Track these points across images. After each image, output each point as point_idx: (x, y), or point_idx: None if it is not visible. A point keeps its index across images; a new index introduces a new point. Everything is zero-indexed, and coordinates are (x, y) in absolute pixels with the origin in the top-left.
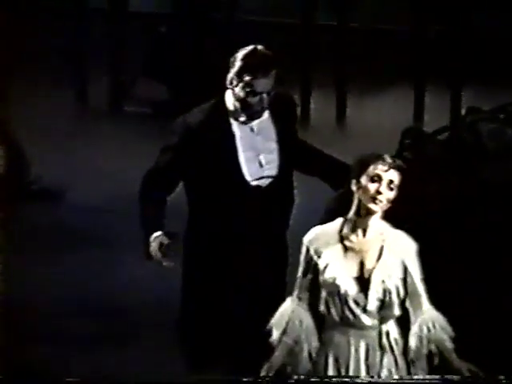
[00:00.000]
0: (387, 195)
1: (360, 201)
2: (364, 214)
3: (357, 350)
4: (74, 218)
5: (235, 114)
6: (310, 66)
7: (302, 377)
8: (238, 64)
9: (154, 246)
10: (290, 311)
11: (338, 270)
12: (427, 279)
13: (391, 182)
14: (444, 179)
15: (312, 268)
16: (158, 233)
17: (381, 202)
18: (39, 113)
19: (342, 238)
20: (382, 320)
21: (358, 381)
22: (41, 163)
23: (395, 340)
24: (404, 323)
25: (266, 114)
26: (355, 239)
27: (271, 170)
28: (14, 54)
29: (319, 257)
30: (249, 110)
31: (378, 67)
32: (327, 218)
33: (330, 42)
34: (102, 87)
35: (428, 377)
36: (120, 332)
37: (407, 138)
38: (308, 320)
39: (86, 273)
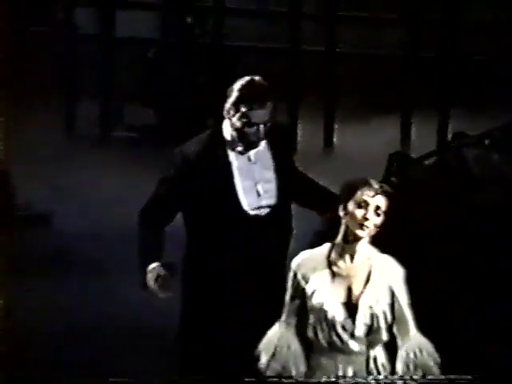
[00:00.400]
0: (374, 221)
1: (347, 226)
2: (351, 239)
3: (344, 376)
4: (61, 243)
5: (232, 144)
6: (298, 91)
7: (302, 378)
8: (234, 94)
9: (150, 277)
10: (278, 336)
11: (326, 295)
12: (414, 304)
13: (378, 207)
14: (430, 204)
15: (300, 293)
16: (155, 264)
17: (367, 227)
18: (27, 138)
19: (329, 264)
20: (370, 345)
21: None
22: (28, 189)
23: (382, 365)
24: (392, 348)
25: (264, 144)
26: (343, 265)
27: (269, 199)
28: (1, 78)
29: (307, 282)
30: (245, 140)
31: (365, 93)
32: (315, 241)
33: (318, 68)
34: (90, 112)
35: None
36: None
37: (393, 162)
38: (296, 345)
39: (74, 298)
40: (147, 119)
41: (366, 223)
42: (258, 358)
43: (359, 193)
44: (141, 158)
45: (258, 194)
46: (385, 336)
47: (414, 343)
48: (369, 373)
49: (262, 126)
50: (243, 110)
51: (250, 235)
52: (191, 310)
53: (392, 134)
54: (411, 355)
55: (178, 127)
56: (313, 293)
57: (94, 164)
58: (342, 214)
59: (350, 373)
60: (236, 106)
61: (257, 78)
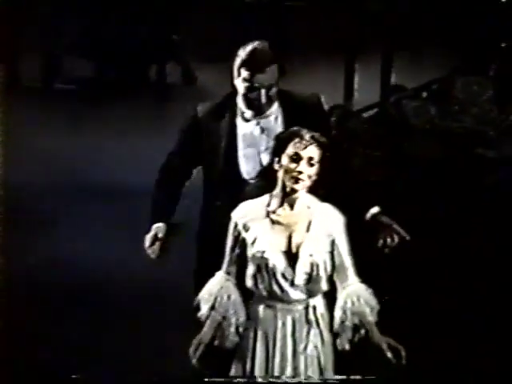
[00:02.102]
0: (308, 172)
1: (283, 180)
2: (289, 190)
3: (284, 324)
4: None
5: (241, 110)
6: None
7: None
8: (237, 60)
9: (147, 237)
10: (218, 286)
11: (266, 243)
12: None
13: (311, 158)
14: (368, 155)
15: (240, 242)
16: (160, 224)
17: (302, 180)
18: None
19: (269, 213)
20: (310, 294)
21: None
22: None
23: (321, 315)
24: (332, 297)
25: (278, 113)
26: (283, 213)
27: None
28: None
29: (247, 231)
30: (250, 105)
31: (311, 44)
32: (254, 194)
33: (266, 20)
34: (32, 64)
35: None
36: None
37: (334, 115)
38: (236, 294)
39: None
40: (85, 71)
41: (300, 176)
42: (198, 308)
43: (291, 146)
44: (79, 111)
45: (261, 164)
46: (325, 286)
47: (353, 290)
48: (308, 322)
49: (263, 90)
50: (244, 74)
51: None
52: (204, 268)
53: (336, 86)
54: (349, 302)
55: (118, 79)
56: (253, 242)
57: (31, 117)
58: (277, 167)
59: (289, 322)
60: (238, 70)
61: (259, 42)
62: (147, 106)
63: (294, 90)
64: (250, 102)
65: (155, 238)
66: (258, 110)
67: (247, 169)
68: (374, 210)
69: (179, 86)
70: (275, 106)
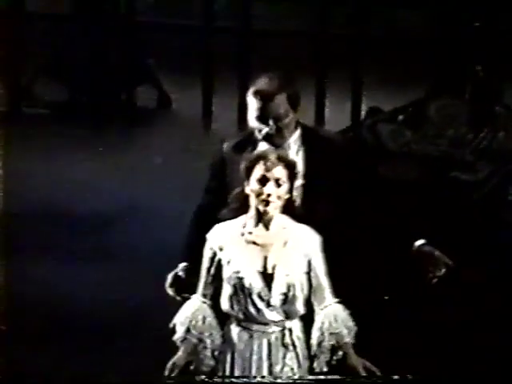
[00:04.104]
0: (277, 193)
1: (255, 203)
2: (262, 212)
3: (259, 347)
4: None
5: (257, 141)
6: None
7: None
8: (249, 91)
9: (169, 277)
10: (193, 309)
11: (242, 263)
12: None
13: (278, 179)
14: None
15: (216, 263)
16: (185, 264)
17: (272, 202)
18: None
19: (244, 233)
20: (286, 316)
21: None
22: None
23: (298, 337)
24: (309, 322)
25: (299, 148)
26: (258, 233)
27: None
28: None
29: (222, 252)
30: (264, 138)
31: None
32: (228, 218)
33: (230, 46)
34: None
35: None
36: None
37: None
38: (211, 317)
39: None
40: (59, 95)
41: (269, 199)
42: (173, 331)
43: (257, 168)
44: (52, 134)
45: None
46: (301, 308)
47: (330, 311)
48: (284, 345)
49: (271, 121)
50: (255, 105)
51: None
52: None
53: (307, 109)
54: (326, 323)
55: (91, 104)
56: (229, 262)
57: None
58: (247, 191)
59: (264, 345)
60: (250, 102)
61: (267, 75)
62: (120, 130)
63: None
64: (263, 135)
65: (176, 278)
66: (272, 143)
67: None
68: (420, 241)
69: (152, 110)
70: (295, 139)
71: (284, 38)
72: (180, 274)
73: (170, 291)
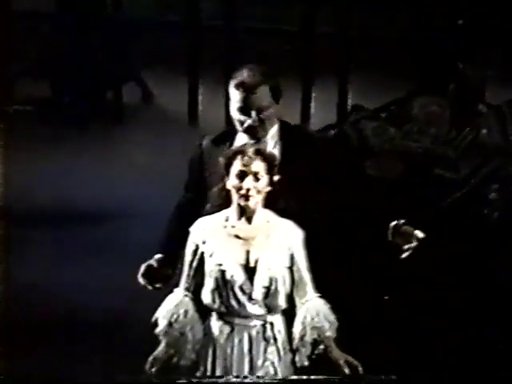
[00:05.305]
0: (257, 187)
1: (235, 198)
2: (244, 206)
3: (240, 341)
4: None
5: (238, 135)
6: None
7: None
8: (230, 83)
9: (143, 267)
10: (175, 302)
11: (225, 256)
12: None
13: (256, 173)
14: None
15: (198, 257)
16: (158, 255)
17: (252, 196)
18: None
19: (227, 226)
20: (268, 310)
21: None
22: None
23: (279, 331)
24: (291, 315)
25: (277, 143)
26: (241, 226)
27: None
28: None
29: (205, 245)
30: (245, 130)
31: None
32: (212, 211)
33: (216, 43)
34: None
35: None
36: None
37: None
38: (193, 310)
39: None
40: (43, 92)
41: (249, 193)
42: (155, 325)
43: (236, 163)
44: (36, 132)
45: None
46: (283, 302)
47: (312, 305)
48: (265, 339)
49: (253, 113)
50: (236, 97)
51: None
52: None
53: (293, 107)
54: (308, 317)
55: (75, 100)
56: (211, 255)
57: None
58: (228, 186)
59: (245, 339)
60: (231, 93)
61: (251, 66)
62: (104, 127)
63: (296, 124)
64: (241, 125)
65: (149, 268)
66: (253, 135)
67: None
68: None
69: (135, 106)
70: (273, 134)
71: (270, 35)
72: (153, 264)
73: (143, 281)
